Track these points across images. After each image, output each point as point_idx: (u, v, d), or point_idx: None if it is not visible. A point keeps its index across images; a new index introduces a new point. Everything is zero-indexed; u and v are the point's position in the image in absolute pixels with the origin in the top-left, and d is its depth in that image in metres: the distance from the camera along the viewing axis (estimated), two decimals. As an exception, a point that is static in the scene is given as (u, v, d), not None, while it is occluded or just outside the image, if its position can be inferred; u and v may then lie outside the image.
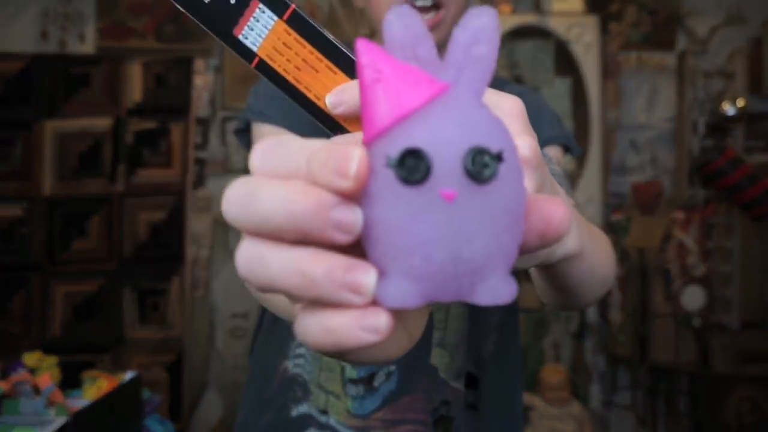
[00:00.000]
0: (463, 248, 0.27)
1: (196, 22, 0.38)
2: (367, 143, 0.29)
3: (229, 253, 2.88)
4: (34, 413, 1.12)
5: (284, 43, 0.38)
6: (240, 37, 0.38)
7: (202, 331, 2.81)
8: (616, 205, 3.07)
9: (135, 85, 2.83)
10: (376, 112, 0.28)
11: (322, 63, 0.38)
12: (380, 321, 0.27)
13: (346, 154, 0.27)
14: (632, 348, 2.91)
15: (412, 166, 0.27)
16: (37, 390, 1.19)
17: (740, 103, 2.96)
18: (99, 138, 2.85)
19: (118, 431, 1.28)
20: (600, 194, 2.85)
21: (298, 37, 0.38)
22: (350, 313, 0.27)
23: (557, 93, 3.03)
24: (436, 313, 0.85)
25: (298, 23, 0.38)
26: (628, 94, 3.11)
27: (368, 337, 0.27)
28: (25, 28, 2.90)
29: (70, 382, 1.34)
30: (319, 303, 0.28)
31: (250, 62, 0.38)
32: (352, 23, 2.99)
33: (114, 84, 2.84)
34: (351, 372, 0.86)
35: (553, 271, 0.50)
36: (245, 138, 0.96)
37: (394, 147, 0.27)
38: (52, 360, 1.35)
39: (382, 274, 0.28)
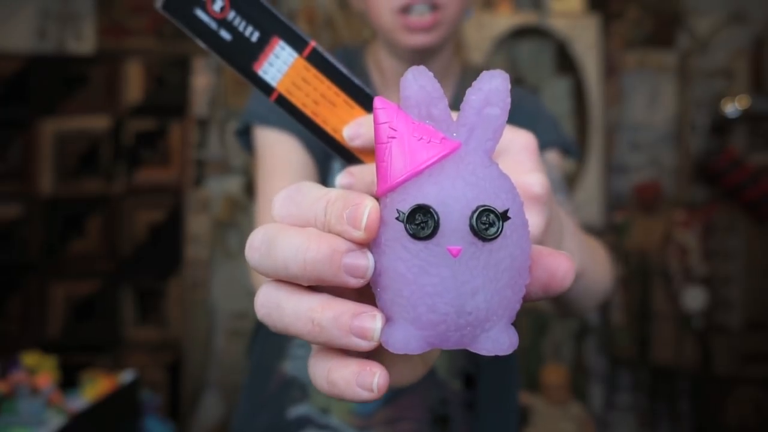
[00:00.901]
0: (467, 301, 0.29)
1: (218, 57, 0.40)
2: (381, 195, 0.31)
3: (229, 253, 2.87)
4: (33, 414, 1.11)
5: (303, 78, 0.40)
6: (260, 72, 0.40)
7: (201, 332, 2.80)
8: (617, 206, 3.06)
9: (134, 84, 2.82)
10: (389, 168, 0.31)
11: (340, 98, 0.40)
12: (375, 381, 0.29)
13: (359, 207, 0.29)
14: (633, 349, 2.91)
15: (421, 222, 0.29)
16: (35, 390, 1.18)
17: (742, 102, 2.96)
18: (98, 138, 2.84)
19: (118, 431, 1.27)
20: (600, 194, 2.84)
21: (316, 72, 0.40)
22: (349, 368, 0.30)
23: (557, 93, 3.03)
24: None
25: (317, 60, 0.40)
26: (628, 94, 3.11)
27: (364, 395, 0.29)
28: (23, 28, 2.89)
29: (69, 382, 1.33)
30: (330, 347, 0.30)
31: (269, 95, 0.40)
32: (351, 25, 2.98)
33: (113, 84, 2.83)
34: None
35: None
36: (245, 140, 0.94)
37: (406, 202, 0.30)
38: (51, 360, 1.34)
39: (389, 320, 0.30)
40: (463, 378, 0.86)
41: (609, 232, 2.99)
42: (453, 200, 0.29)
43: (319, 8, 2.92)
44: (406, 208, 0.29)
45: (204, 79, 2.90)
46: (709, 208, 2.89)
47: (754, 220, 2.93)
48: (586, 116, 2.89)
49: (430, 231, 0.29)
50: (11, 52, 2.85)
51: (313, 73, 0.40)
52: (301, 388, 0.89)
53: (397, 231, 0.29)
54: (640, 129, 3.13)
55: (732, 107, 2.96)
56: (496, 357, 0.89)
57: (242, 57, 0.39)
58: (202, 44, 0.40)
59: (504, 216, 0.29)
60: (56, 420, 1.08)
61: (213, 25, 0.39)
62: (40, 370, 1.31)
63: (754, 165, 2.90)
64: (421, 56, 0.89)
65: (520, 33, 2.93)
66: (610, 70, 2.96)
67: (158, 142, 2.81)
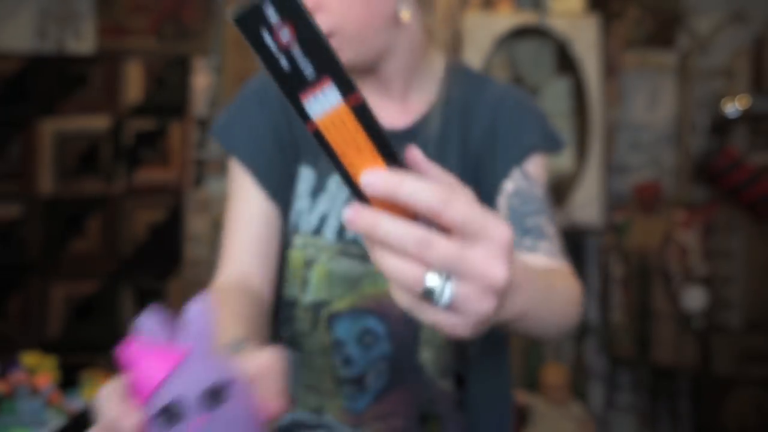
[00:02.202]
0: None
1: (270, 76, 0.43)
2: (140, 405, 0.44)
3: (229, 253, 2.87)
4: (32, 414, 1.11)
5: (342, 121, 0.43)
6: (305, 102, 0.42)
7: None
8: (617, 206, 3.06)
9: (134, 84, 2.82)
10: (138, 386, 0.43)
11: (368, 146, 0.44)
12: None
13: (126, 421, 0.43)
14: (633, 348, 2.91)
15: (168, 416, 0.43)
16: (35, 390, 1.18)
17: (742, 102, 2.95)
18: (97, 138, 2.84)
19: None
20: (601, 194, 2.84)
21: (355, 121, 0.43)
22: None
23: (557, 93, 3.03)
24: None
25: (361, 112, 0.43)
26: (629, 94, 3.11)
27: None
28: (23, 28, 2.89)
29: (69, 382, 1.33)
30: None
31: (306, 124, 0.43)
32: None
33: (112, 84, 2.83)
34: (344, 372, 0.87)
35: (498, 325, 0.53)
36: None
37: (155, 405, 0.43)
38: (50, 360, 1.34)
39: None
40: (452, 377, 0.87)
41: (609, 232, 2.99)
42: (185, 392, 0.43)
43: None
44: (155, 410, 0.43)
45: (204, 79, 2.90)
46: (709, 208, 2.89)
47: (754, 220, 2.93)
48: (586, 116, 2.89)
49: (176, 419, 0.43)
50: (11, 52, 2.85)
51: (352, 119, 0.43)
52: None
53: (156, 426, 0.43)
54: (640, 129, 3.13)
55: (732, 107, 2.96)
56: (487, 356, 0.89)
57: (293, 85, 0.42)
58: (259, 61, 0.43)
59: (223, 391, 0.44)
60: (56, 420, 1.08)
61: (275, 50, 0.42)
62: (39, 370, 1.31)
63: (754, 165, 2.90)
64: (371, 84, 0.91)
65: (520, 33, 2.93)
66: (611, 70, 2.96)
67: (158, 142, 2.81)
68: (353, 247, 0.88)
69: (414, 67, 0.91)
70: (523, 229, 0.81)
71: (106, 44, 2.88)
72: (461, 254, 0.42)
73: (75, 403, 1.20)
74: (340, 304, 0.87)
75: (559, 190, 2.93)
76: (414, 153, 0.46)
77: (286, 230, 0.89)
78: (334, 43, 0.78)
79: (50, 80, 2.83)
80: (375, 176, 0.43)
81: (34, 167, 2.81)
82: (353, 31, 0.82)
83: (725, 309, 3.05)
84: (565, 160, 3.01)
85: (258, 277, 0.86)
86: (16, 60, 2.84)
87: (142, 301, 2.77)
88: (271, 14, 0.40)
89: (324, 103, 0.43)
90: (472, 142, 0.91)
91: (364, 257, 0.87)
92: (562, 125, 3.01)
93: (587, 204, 2.83)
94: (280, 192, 0.90)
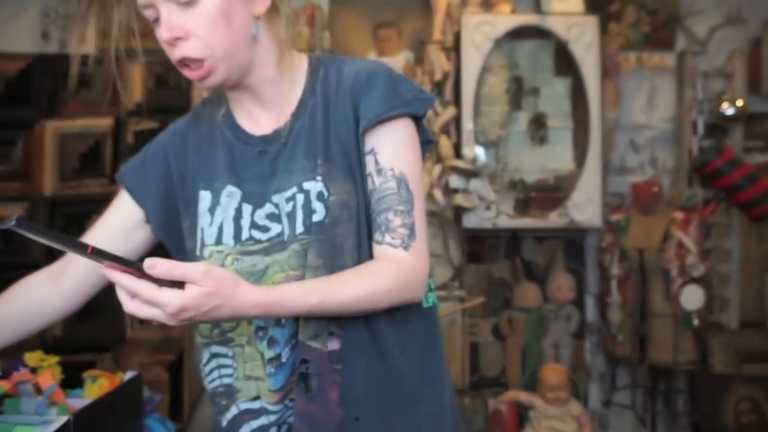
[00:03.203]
0: None
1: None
2: None
3: (230, 252, 2.88)
4: (35, 412, 1.13)
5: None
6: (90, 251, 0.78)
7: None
8: (616, 205, 3.07)
9: (135, 85, 2.83)
10: None
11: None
12: None
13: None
14: (631, 348, 2.92)
15: None
16: (38, 389, 1.20)
17: (739, 103, 2.96)
18: (99, 138, 2.86)
19: (119, 430, 1.29)
20: (599, 194, 2.85)
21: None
22: None
23: (557, 93, 3.04)
24: (308, 275, 0.96)
25: (96, 252, 0.78)
26: (627, 95, 3.12)
27: None
28: (25, 29, 2.90)
29: (71, 381, 1.34)
30: None
31: (86, 251, 0.77)
32: (351, 26, 2.99)
33: (114, 84, 2.84)
34: (268, 353, 0.97)
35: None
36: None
37: None
38: (53, 360, 1.35)
39: None
40: (324, 337, 0.94)
41: (607, 231, 3.00)
42: None
43: (319, 8, 2.92)
44: None
45: (205, 80, 2.91)
46: (706, 208, 2.90)
47: (751, 220, 2.93)
48: (585, 116, 2.90)
49: None
50: (14, 52, 2.86)
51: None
52: (226, 393, 1.01)
53: None
54: (639, 129, 3.14)
55: (730, 107, 2.97)
56: (357, 318, 0.96)
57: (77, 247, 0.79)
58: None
59: None
60: (58, 419, 1.09)
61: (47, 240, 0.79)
62: (42, 369, 1.32)
63: (752, 165, 2.91)
64: (244, 98, 1.05)
65: (520, 33, 2.94)
66: (609, 70, 2.97)
67: (157, 138, 2.83)
68: (251, 244, 0.99)
69: (277, 74, 1.02)
70: (375, 225, 0.97)
71: (107, 45, 2.89)
72: (155, 297, 0.80)
73: (77, 402, 1.22)
74: None
75: (559, 190, 2.94)
76: (149, 264, 0.79)
77: (195, 247, 1.04)
78: (209, 63, 0.94)
79: (53, 81, 2.84)
80: (152, 264, 0.79)
81: (37, 167, 2.83)
82: (222, 53, 0.94)
83: (723, 308, 3.06)
84: (564, 160, 3.03)
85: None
86: (20, 61, 2.86)
87: (143, 301, 2.78)
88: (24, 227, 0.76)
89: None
90: (336, 127, 1.00)
91: (265, 250, 0.98)
92: (562, 125, 3.02)
93: (586, 204, 2.84)
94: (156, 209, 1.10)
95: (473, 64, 2.83)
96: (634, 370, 2.98)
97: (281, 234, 0.98)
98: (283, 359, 0.96)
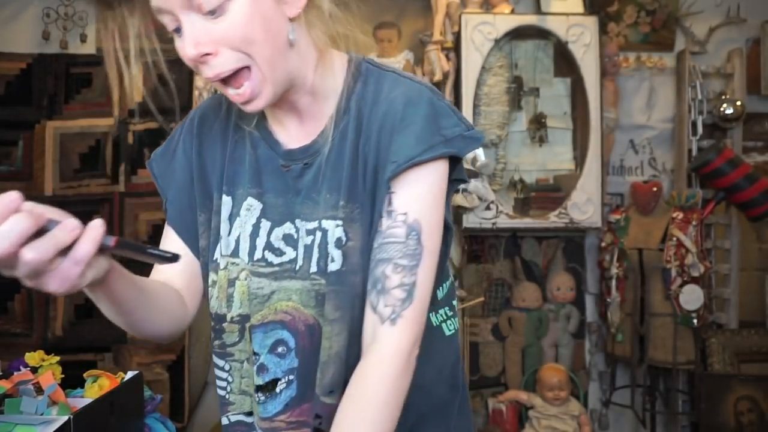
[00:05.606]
0: None
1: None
2: None
3: (230, 252, 2.89)
4: (36, 412, 1.13)
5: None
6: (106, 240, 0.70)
7: (202, 331, 2.82)
8: (615, 205, 3.08)
9: (136, 85, 2.83)
10: None
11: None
12: None
13: None
14: (631, 347, 2.92)
15: None
16: (39, 389, 1.21)
17: (738, 103, 2.97)
18: (100, 138, 2.86)
19: (120, 430, 1.29)
20: (599, 194, 2.85)
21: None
22: None
23: (557, 93, 3.05)
24: (324, 327, 0.90)
25: (122, 244, 0.72)
26: (627, 95, 3.12)
27: None
28: (26, 29, 2.91)
29: (71, 381, 1.35)
30: None
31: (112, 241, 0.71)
32: (351, 26, 2.99)
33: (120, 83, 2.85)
34: (257, 379, 0.94)
35: None
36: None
37: None
38: (54, 359, 1.36)
39: None
40: (340, 393, 0.88)
41: (607, 231, 3.01)
42: None
43: (321, 4, 2.93)
44: None
45: (206, 79, 2.91)
46: (706, 208, 2.90)
47: (750, 220, 2.94)
48: (584, 117, 2.91)
49: None
50: (15, 53, 2.87)
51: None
52: (222, 404, 0.99)
53: None
54: (638, 129, 3.15)
55: (729, 108, 2.97)
56: None
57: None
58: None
59: None
60: (59, 418, 1.10)
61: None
62: (43, 369, 1.33)
63: (750, 165, 2.92)
64: (276, 106, 0.93)
65: (520, 33, 2.95)
66: (609, 70, 2.98)
67: (160, 142, 2.83)
68: (262, 266, 0.94)
69: (314, 82, 0.91)
70: (372, 278, 0.86)
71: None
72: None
73: (78, 402, 1.22)
74: (256, 318, 0.93)
75: (559, 190, 2.95)
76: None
77: (210, 255, 0.97)
78: (254, 80, 0.83)
79: (53, 81, 2.85)
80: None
81: (38, 167, 2.83)
82: (265, 65, 0.83)
83: (722, 308, 3.07)
84: (564, 160, 3.03)
85: (178, 282, 0.99)
86: (20, 61, 2.86)
87: (144, 300, 2.79)
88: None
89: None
90: (364, 158, 0.89)
91: (274, 275, 0.93)
92: (561, 125, 3.03)
93: (586, 203, 2.85)
94: (191, 232, 1.01)
95: (473, 64, 2.83)
96: (633, 369, 2.98)
97: (294, 261, 0.92)
98: (278, 390, 0.93)
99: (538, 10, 3.01)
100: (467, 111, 2.82)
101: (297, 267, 0.92)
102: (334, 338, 0.90)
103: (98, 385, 1.31)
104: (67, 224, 0.67)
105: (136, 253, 0.77)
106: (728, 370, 2.92)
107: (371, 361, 0.84)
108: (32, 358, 1.35)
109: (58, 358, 1.36)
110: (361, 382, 0.83)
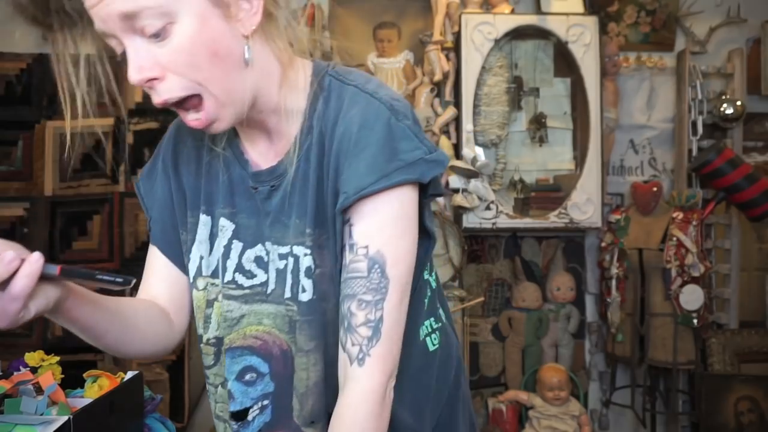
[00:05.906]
0: None
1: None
2: None
3: (230, 252, 2.88)
4: (36, 412, 1.13)
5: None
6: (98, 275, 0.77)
7: (202, 331, 2.82)
8: (615, 205, 3.08)
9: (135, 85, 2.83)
10: None
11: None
12: None
13: None
14: (631, 347, 2.92)
15: None
16: (39, 389, 1.20)
17: (739, 103, 2.97)
18: (99, 138, 2.86)
19: (120, 430, 1.29)
20: (599, 194, 2.85)
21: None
22: None
23: (557, 93, 3.04)
24: (297, 358, 0.88)
25: (66, 271, 0.72)
26: (627, 95, 3.12)
27: None
28: (26, 29, 2.89)
29: (71, 381, 1.35)
30: None
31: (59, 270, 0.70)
32: (351, 26, 3.00)
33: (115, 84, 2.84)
34: (230, 406, 0.92)
35: None
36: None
37: None
38: (53, 359, 1.36)
39: None
40: (322, 424, 0.87)
41: (607, 231, 3.01)
42: None
43: (319, 8, 2.93)
44: None
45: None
46: (706, 208, 2.90)
47: (750, 220, 2.94)
48: (584, 117, 2.91)
49: None
50: (14, 53, 2.87)
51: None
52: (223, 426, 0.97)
53: None
54: (639, 129, 3.15)
55: (729, 108, 2.97)
56: None
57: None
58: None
59: None
60: (59, 418, 1.10)
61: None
62: (42, 369, 1.33)
63: (751, 165, 2.91)
64: (246, 124, 0.89)
65: (520, 33, 2.94)
66: (609, 70, 2.97)
67: (160, 142, 2.83)
68: (232, 288, 0.91)
69: (279, 96, 0.86)
70: (341, 313, 0.82)
71: (108, 45, 2.89)
72: None
73: (78, 402, 1.22)
74: (227, 342, 0.92)
75: (558, 190, 2.95)
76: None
77: (189, 269, 0.96)
78: (208, 104, 0.79)
79: (53, 81, 2.85)
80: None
81: (37, 167, 2.83)
82: (218, 90, 0.78)
83: (722, 308, 3.07)
84: (564, 160, 3.03)
85: (163, 299, 0.98)
86: (20, 61, 2.86)
87: (144, 300, 2.79)
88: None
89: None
90: (329, 182, 0.84)
91: (244, 297, 0.91)
92: (561, 125, 3.03)
93: (585, 203, 2.84)
94: (176, 251, 0.99)
95: (473, 64, 2.83)
96: (633, 369, 2.98)
97: (265, 284, 0.90)
98: (250, 418, 0.91)
99: (538, 10, 3.00)
100: (467, 111, 2.81)
101: (268, 291, 0.89)
102: (311, 368, 0.87)
103: (98, 385, 1.31)
104: (3, 257, 0.65)
105: (84, 280, 0.76)
106: (728, 370, 2.92)
107: (343, 404, 0.80)
108: (32, 358, 1.35)
109: (58, 358, 1.36)
110: (339, 425, 0.80)
